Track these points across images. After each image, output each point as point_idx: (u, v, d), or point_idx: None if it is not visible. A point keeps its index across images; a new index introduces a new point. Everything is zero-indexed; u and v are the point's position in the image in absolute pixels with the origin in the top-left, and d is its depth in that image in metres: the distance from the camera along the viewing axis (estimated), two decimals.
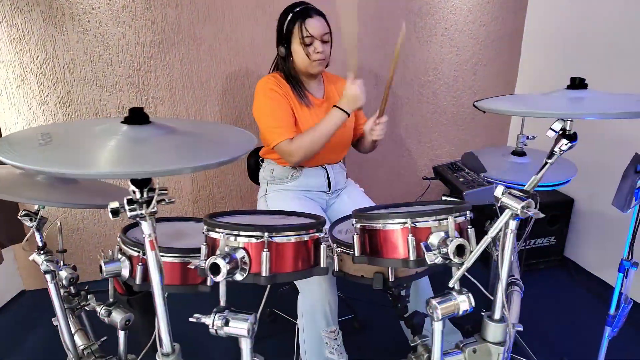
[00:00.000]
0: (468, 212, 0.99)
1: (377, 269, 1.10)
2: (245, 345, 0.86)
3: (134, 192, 0.67)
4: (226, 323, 0.84)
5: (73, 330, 1.24)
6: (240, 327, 0.84)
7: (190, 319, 0.87)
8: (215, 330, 0.84)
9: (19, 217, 0.99)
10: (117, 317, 1.15)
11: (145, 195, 0.68)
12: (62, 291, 1.24)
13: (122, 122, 0.70)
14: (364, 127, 1.67)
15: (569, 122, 0.85)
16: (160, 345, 0.89)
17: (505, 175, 1.33)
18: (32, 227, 1.00)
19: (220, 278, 0.83)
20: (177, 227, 1.31)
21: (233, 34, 2.20)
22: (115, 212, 0.74)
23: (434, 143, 2.76)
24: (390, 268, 1.05)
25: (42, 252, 1.04)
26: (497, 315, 0.96)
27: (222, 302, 0.87)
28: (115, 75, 2.12)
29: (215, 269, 0.83)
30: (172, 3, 2.09)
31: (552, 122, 0.85)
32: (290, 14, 1.51)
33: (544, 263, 2.51)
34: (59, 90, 2.07)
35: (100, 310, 1.17)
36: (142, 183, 0.67)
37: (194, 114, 2.29)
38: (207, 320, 0.84)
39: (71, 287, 1.28)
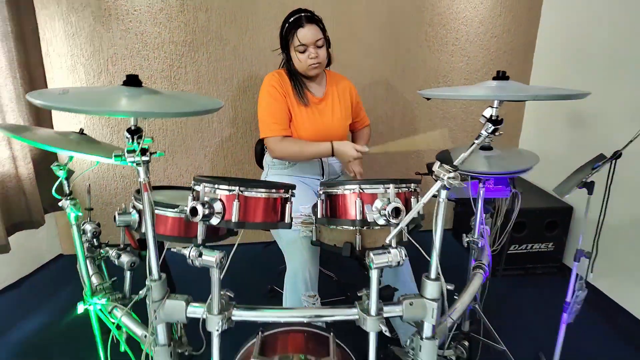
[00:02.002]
0: (412, 185, 1.15)
1: (347, 238, 1.28)
2: (214, 276, 1.06)
3: (127, 138, 0.90)
4: (199, 255, 1.05)
5: (91, 272, 1.49)
6: (210, 258, 1.04)
7: (172, 249, 1.09)
8: (191, 260, 1.05)
9: (51, 167, 1.24)
10: (125, 259, 1.39)
11: (135, 141, 0.90)
12: (85, 242, 1.50)
13: (122, 85, 0.93)
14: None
15: (495, 109, 1.01)
16: (150, 273, 1.12)
17: (475, 166, 1.46)
18: (60, 177, 1.25)
19: (197, 219, 1.04)
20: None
21: (256, 36, 2.45)
22: (118, 156, 0.96)
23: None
24: (357, 238, 1.23)
25: (69, 198, 1.29)
26: (432, 275, 1.11)
27: (199, 240, 1.08)
28: (151, 69, 2.41)
29: (194, 212, 1.04)
30: (203, 7, 2.37)
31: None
32: (287, 24, 1.71)
33: (542, 268, 2.57)
34: (102, 80, 2.39)
35: (112, 253, 1.42)
36: (135, 132, 0.90)
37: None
38: (185, 251, 1.05)
39: (94, 240, 1.54)
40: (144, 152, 0.97)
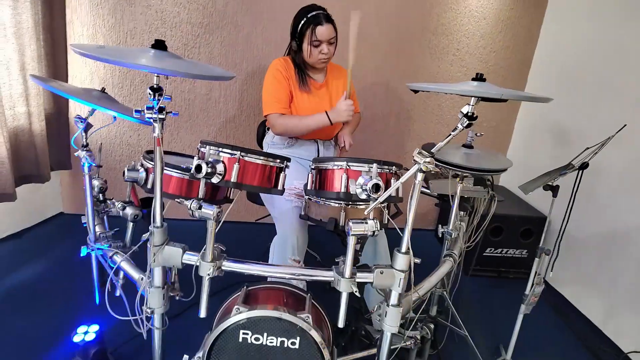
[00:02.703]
0: (394, 167, 1.29)
1: (332, 214, 1.43)
2: (210, 227, 1.21)
3: (149, 94, 1.04)
4: (199, 207, 1.19)
5: (96, 222, 1.62)
6: (208, 211, 1.18)
7: (176, 200, 1.23)
8: (192, 211, 1.19)
9: (73, 118, 1.38)
10: (129, 211, 1.53)
11: (156, 98, 1.04)
12: (93, 197, 1.63)
13: (151, 47, 1.07)
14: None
15: (471, 106, 1.16)
16: (154, 220, 1.25)
17: (454, 159, 1.60)
18: (80, 128, 1.38)
19: (200, 176, 1.18)
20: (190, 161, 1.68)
21: (268, 27, 2.59)
22: (139, 111, 1.10)
23: None
24: (341, 214, 1.38)
25: (85, 149, 1.42)
26: (403, 249, 1.25)
27: (200, 195, 1.22)
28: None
29: (198, 169, 1.18)
30: None
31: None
32: (305, 18, 1.85)
33: (514, 273, 2.72)
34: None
35: (118, 205, 1.55)
36: (157, 90, 1.04)
37: (224, 88, 2.70)
38: (187, 202, 1.19)
39: (100, 195, 1.67)
40: (161, 110, 1.11)
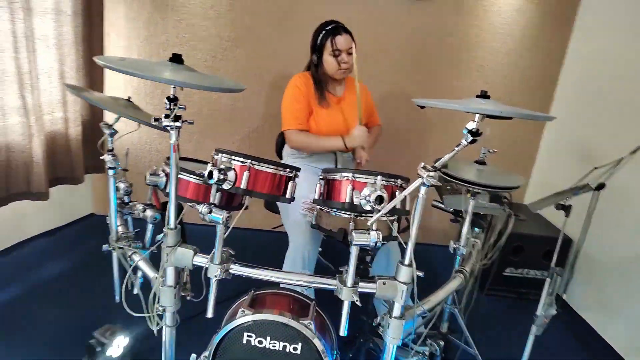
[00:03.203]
0: (399, 180, 1.32)
1: (342, 224, 1.46)
2: (219, 231, 1.26)
3: (166, 103, 1.11)
4: (210, 212, 1.24)
5: (118, 223, 1.71)
6: (218, 215, 1.24)
7: (189, 204, 1.30)
8: (202, 215, 1.25)
9: (100, 125, 1.48)
10: (149, 213, 1.61)
11: (171, 106, 1.11)
12: (117, 199, 1.72)
13: (168, 60, 1.15)
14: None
15: (476, 122, 1.18)
16: (168, 222, 1.32)
17: (466, 175, 1.60)
18: (106, 134, 1.48)
19: (212, 182, 1.24)
20: None
21: (294, 41, 2.66)
22: (157, 119, 1.18)
23: None
24: (350, 224, 1.41)
25: (110, 153, 1.52)
26: (406, 261, 1.27)
27: (212, 200, 1.28)
28: (196, 58, 2.67)
29: (210, 175, 1.24)
30: (251, 11, 2.62)
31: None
32: (323, 31, 1.94)
33: (535, 295, 2.63)
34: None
35: (139, 207, 1.64)
36: (173, 100, 1.11)
37: (249, 100, 2.79)
38: (198, 206, 1.25)
39: (125, 197, 1.77)
40: (177, 118, 1.18)
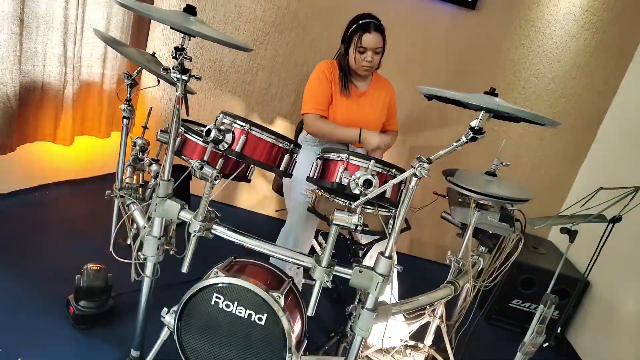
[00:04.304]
0: (394, 170, 1.28)
1: None
2: (207, 188, 1.27)
3: (172, 52, 1.14)
4: (201, 167, 1.26)
5: (127, 174, 1.77)
6: (208, 172, 1.25)
7: (182, 157, 1.32)
8: (193, 169, 1.27)
9: (122, 73, 1.54)
10: (154, 167, 1.65)
11: (178, 55, 1.14)
12: (133, 154, 1.78)
13: (183, 11, 1.19)
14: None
15: (481, 120, 1.13)
16: (163, 173, 1.35)
17: (473, 185, 1.54)
18: (126, 82, 1.54)
19: (209, 139, 1.25)
20: None
21: (334, 34, 2.66)
22: (166, 69, 1.21)
23: None
24: None
25: (127, 102, 1.58)
26: (387, 253, 1.23)
27: (205, 157, 1.30)
28: (238, 38, 2.73)
29: (208, 132, 1.26)
30: None
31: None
32: (355, 24, 1.91)
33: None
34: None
35: (146, 160, 1.68)
36: (180, 49, 1.14)
37: (283, 86, 2.82)
38: (191, 162, 1.27)
39: (140, 153, 1.83)
40: (185, 71, 1.21)
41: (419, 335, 1.82)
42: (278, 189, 2.22)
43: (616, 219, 1.41)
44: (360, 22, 1.90)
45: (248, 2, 2.68)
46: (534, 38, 2.65)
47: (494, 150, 2.74)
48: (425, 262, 3.10)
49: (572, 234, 1.39)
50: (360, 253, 1.67)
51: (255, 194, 3.06)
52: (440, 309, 1.78)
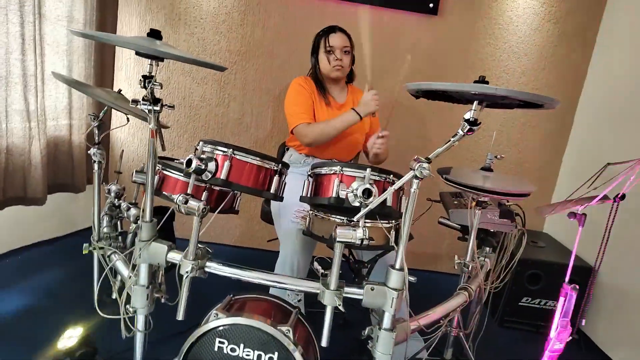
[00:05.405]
0: (391, 176, 1.21)
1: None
2: (195, 224, 1.17)
3: (140, 81, 1.06)
4: (185, 202, 1.16)
5: (104, 224, 1.64)
6: (194, 204, 1.15)
7: (164, 192, 1.22)
8: (178, 205, 1.17)
9: (88, 115, 1.44)
10: (133, 212, 1.53)
11: (147, 85, 1.05)
12: (108, 203, 1.66)
13: (147, 36, 1.11)
14: (368, 142, 1.93)
15: (473, 111, 1.08)
16: (143, 214, 1.25)
17: (471, 181, 1.48)
18: (94, 125, 1.43)
19: (190, 170, 1.16)
20: None
21: (303, 55, 2.63)
22: (135, 102, 1.12)
23: None
24: None
25: (96, 146, 1.47)
26: (397, 265, 1.15)
27: (189, 191, 1.20)
28: (205, 71, 2.68)
29: (189, 163, 1.16)
30: (261, 24, 2.63)
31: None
32: (321, 32, 1.95)
33: None
34: (161, 75, 2.67)
35: (123, 205, 1.57)
36: (148, 77, 1.06)
37: (256, 115, 2.76)
38: (174, 197, 1.17)
39: (116, 200, 1.71)
40: (156, 101, 1.13)
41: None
42: (265, 217, 2.11)
43: (621, 197, 1.36)
44: (325, 28, 1.95)
45: (211, 34, 2.64)
46: (498, 35, 2.68)
47: (477, 149, 2.74)
48: (421, 273, 3.01)
49: (581, 219, 1.33)
50: (364, 271, 1.58)
51: (238, 227, 2.94)
52: (456, 319, 1.69)
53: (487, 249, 1.81)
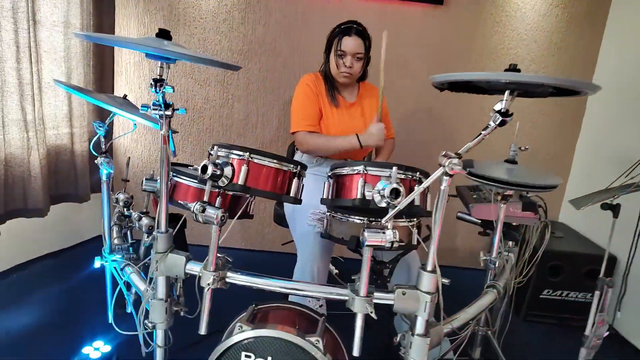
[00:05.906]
0: (417, 174, 1.15)
1: (354, 232, 1.29)
2: (214, 234, 1.11)
3: (151, 85, 1.00)
4: (203, 210, 1.10)
5: (114, 235, 1.58)
6: (212, 213, 1.09)
7: (180, 201, 1.16)
8: (195, 214, 1.11)
9: (92, 123, 1.38)
10: (145, 221, 1.47)
11: (158, 89, 0.99)
12: (117, 212, 1.60)
13: (155, 36, 1.04)
14: None
15: (505, 101, 1.02)
16: (158, 227, 1.18)
17: (496, 174, 1.42)
18: (100, 132, 1.37)
19: (206, 177, 1.10)
20: None
21: (306, 52, 2.59)
22: (145, 106, 1.06)
23: None
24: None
25: (104, 155, 1.41)
26: (429, 267, 1.09)
27: (205, 198, 1.14)
28: (208, 73, 2.61)
29: (204, 169, 1.10)
30: (262, 22, 2.56)
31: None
32: (337, 29, 1.81)
33: (577, 321, 2.36)
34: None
35: (135, 215, 1.51)
36: (159, 81, 1.00)
37: (262, 114, 2.69)
38: (190, 205, 1.11)
39: (124, 209, 1.65)
40: (167, 106, 1.06)
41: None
42: (278, 220, 2.05)
43: None
44: (342, 26, 1.80)
45: (212, 34, 2.57)
46: (506, 23, 2.61)
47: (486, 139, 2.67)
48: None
49: (615, 209, 1.27)
50: (386, 272, 1.52)
51: (248, 230, 2.88)
52: (484, 317, 1.63)
53: (510, 243, 1.76)
